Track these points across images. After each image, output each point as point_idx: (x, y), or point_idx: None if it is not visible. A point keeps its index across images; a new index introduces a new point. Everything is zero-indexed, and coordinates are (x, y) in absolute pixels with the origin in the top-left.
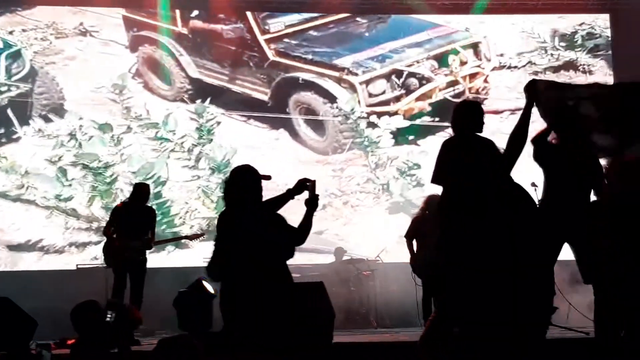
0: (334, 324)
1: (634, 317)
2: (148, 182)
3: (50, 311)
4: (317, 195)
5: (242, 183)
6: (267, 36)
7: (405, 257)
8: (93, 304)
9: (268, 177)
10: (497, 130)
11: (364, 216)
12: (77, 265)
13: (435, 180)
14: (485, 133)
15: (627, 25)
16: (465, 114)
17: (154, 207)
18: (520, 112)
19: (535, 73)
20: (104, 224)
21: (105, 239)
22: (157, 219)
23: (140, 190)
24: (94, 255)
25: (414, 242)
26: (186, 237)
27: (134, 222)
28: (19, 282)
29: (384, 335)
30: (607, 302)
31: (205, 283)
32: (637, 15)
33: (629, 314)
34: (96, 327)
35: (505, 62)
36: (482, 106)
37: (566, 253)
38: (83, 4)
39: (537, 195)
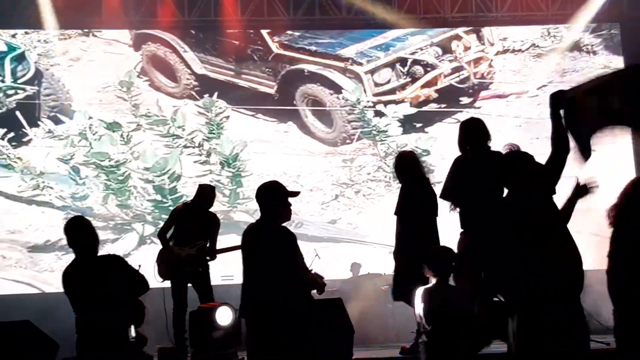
0: (353, 340)
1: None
2: (163, 177)
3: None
4: None
5: (272, 200)
6: (270, 29)
7: None
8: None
9: (296, 194)
10: (504, 114)
11: (376, 204)
12: None
13: (442, 195)
14: (491, 117)
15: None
16: (463, 133)
17: (170, 202)
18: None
19: (539, 55)
20: (120, 221)
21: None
22: None
23: (204, 192)
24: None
25: None
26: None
27: (192, 228)
28: (40, 304)
29: None
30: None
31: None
32: None
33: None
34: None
35: (509, 46)
36: (479, 117)
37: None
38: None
39: None
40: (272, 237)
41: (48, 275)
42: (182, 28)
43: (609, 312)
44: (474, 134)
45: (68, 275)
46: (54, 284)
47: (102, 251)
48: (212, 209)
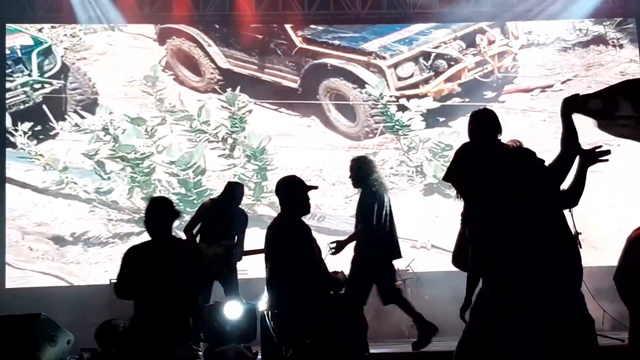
0: (367, 335)
1: None
2: (188, 171)
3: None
4: None
5: (292, 195)
6: (285, 23)
7: (436, 264)
8: (108, 325)
9: (314, 188)
10: (528, 108)
11: (398, 198)
12: (110, 280)
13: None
14: (515, 111)
15: None
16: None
17: (195, 195)
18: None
19: (564, 49)
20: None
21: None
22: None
23: (232, 190)
24: None
25: None
26: None
27: (218, 225)
28: (53, 296)
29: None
30: None
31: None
32: None
33: None
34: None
35: (534, 40)
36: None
37: (602, 259)
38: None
39: None
40: (289, 231)
41: (74, 267)
42: (197, 22)
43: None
44: (486, 124)
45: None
46: (80, 276)
47: (129, 243)
48: (244, 202)
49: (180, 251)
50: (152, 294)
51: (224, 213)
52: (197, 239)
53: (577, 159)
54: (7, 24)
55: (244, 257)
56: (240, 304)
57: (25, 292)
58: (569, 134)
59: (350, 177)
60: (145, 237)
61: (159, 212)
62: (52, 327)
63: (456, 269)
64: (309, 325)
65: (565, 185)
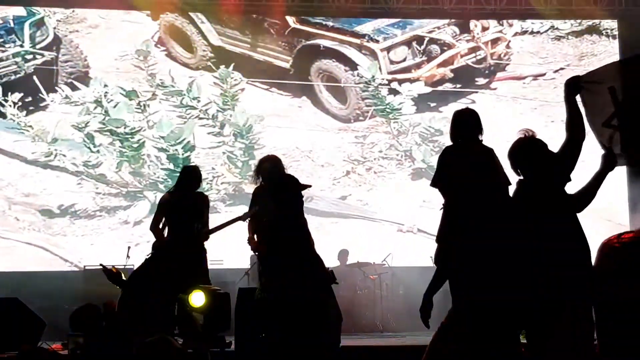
0: (341, 327)
1: None
2: (177, 147)
3: (58, 312)
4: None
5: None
6: (268, 15)
7: (413, 259)
8: (92, 309)
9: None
10: (520, 96)
11: (387, 182)
12: (84, 266)
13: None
14: (507, 99)
15: (636, 30)
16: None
17: None
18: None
19: (558, 38)
20: (133, 188)
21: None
22: None
23: (185, 175)
24: (124, 220)
25: None
26: (239, 219)
27: (182, 215)
28: (27, 281)
29: (390, 339)
30: None
31: None
32: None
33: None
34: (92, 332)
35: (528, 27)
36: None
37: None
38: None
39: None
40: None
41: (60, 239)
42: (183, 11)
43: None
44: (468, 124)
45: None
46: (66, 248)
47: (116, 217)
48: (231, 179)
49: None
50: None
51: (183, 201)
52: (165, 233)
53: (601, 160)
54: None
55: (212, 235)
56: (206, 292)
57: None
58: (573, 119)
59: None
60: (133, 213)
61: None
62: (25, 312)
63: (432, 265)
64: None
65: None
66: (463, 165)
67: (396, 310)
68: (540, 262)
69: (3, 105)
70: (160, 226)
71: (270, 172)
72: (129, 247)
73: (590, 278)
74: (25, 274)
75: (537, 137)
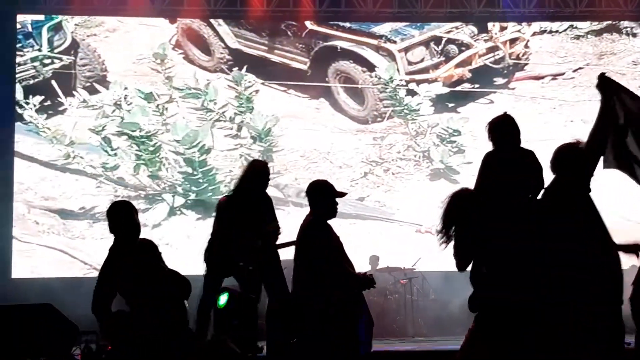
0: (372, 332)
1: None
2: (193, 150)
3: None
4: None
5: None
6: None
7: (443, 265)
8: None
9: (344, 194)
10: (539, 95)
11: (405, 183)
12: None
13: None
14: (525, 98)
15: None
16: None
17: (200, 174)
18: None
19: (577, 37)
20: (151, 191)
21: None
22: (203, 186)
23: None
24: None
25: None
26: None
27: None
28: (63, 287)
29: (422, 344)
30: None
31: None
32: None
33: None
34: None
35: (546, 27)
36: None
37: None
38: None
39: None
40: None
41: (79, 242)
42: (208, 18)
43: None
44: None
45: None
46: (85, 251)
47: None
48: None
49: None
50: None
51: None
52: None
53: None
54: (17, 14)
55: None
56: (231, 294)
57: (31, 282)
58: (605, 112)
59: None
60: (151, 216)
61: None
62: (58, 318)
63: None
64: (327, 309)
65: None
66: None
67: (427, 315)
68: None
69: (24, 108)
70: None
71: None
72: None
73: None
74: (61, 279)
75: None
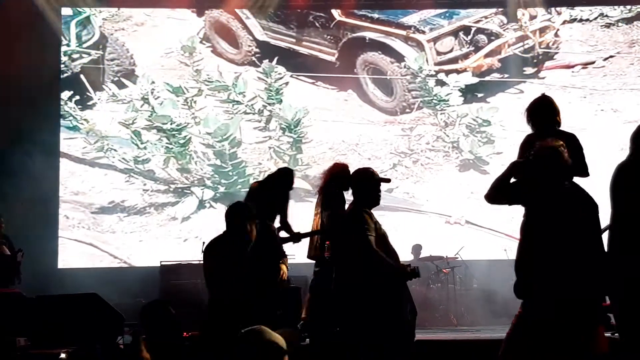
0: (416, 321)
1: None
2: (224, 143)
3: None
4: None
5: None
6: (338, 8)
7: (486, 252)
8: (162, 305)
9: (387, 180)
10: (569, 84)
11: (434, 174)
12: (160, 262)
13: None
14: (555, 87)
15: None
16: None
17: (230, 167)
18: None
19: (608, 25)
20: (181, 185)
21: None
22: (232, 179)
23: (285, 176)
24: (172, 216)
25: None
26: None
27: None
28: (106, 277)
29: (465, 333)
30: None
31: None
32: None
33: None
34: (163, 328)
35: (577, 15)
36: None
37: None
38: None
39: None
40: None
41: (109, 236)
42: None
43: None
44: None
45: None
46: (114, 244)
47: (165, 213)
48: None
49: None
50: None
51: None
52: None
53: None
54: (62, 7)
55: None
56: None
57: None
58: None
59: None
60: (181, 209)
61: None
62: (104, 307)
63: (502, 258)
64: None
65: None
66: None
67: (470, 304)
68: None
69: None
70: None
71: None
72: (203, 243)
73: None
74: (104, 270)
75: None
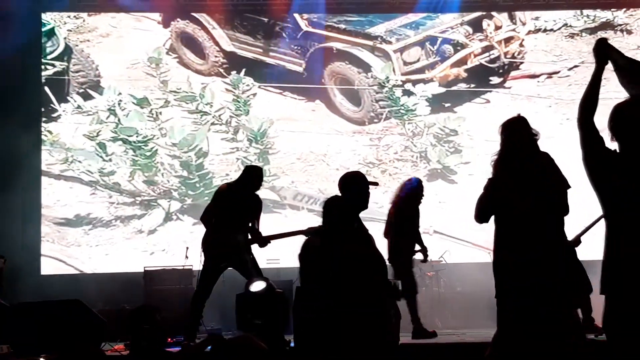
0: (400, 324)
1: None
2: (190, 154)
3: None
4: None
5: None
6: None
7: (469, 256)
8: (150, 310)
9: (375, 184)
10: (535, 94)
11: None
12: (144, 267)
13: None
14: (521, 97)
15: None
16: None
17: (197, 178)
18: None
19: (572, 35)
20: (147, 197)
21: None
22: (199, 191)
23: (247, 173)
24: (138, 229)
25: None
26: (302, 232)
27: (239, 211)
28: (89, 283)
29: (450, 336)
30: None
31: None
32: None
33: None
34: (148, 335)
35: (541, 25)
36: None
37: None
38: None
39: None
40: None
41: (75, 250)
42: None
43: None
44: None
45: None
46: (80, 258)
47: (131, 226)
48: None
49: None
50: None
51: (248, 200)
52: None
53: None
54: (42, 13)
55: (271, 242)
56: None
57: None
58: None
59: None
60: (147, 221)
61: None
62: (87, 313)
63: (486, 261)
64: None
65: None
66: None
67: (454, 307)
68: None
69: None
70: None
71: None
72: (187, 248)
73: None
74: (88, 275)
75: None
